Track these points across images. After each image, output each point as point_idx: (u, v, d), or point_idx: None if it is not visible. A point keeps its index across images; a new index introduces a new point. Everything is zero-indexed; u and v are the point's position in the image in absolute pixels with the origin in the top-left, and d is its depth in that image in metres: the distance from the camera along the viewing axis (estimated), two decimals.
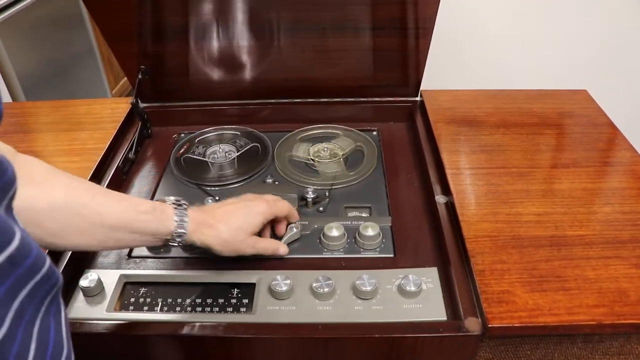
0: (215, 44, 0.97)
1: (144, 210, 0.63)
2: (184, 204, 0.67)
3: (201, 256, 0.74)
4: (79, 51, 2.35)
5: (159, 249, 0.76)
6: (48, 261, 0.38)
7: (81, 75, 2.37)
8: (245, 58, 1.00)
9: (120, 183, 0.89)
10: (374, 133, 1.01)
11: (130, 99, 0.96)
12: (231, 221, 0.68)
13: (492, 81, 1.15)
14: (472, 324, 0.61)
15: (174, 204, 0.66)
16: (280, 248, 0.74)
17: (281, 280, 0.67)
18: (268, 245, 0.73)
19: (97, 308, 0.68)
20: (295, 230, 0.76)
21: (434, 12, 0.86)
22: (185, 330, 0.63)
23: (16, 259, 0.34)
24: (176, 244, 0.66)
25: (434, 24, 0.88)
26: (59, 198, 0.57)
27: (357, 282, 0.66)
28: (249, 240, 0.69)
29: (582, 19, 1.14)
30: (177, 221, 0.64)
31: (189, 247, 0.70)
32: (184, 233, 0.64)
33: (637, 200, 0.76)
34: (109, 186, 0.83)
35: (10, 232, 0.34)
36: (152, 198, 0.86)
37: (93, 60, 2.47)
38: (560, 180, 0.80)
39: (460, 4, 1.08)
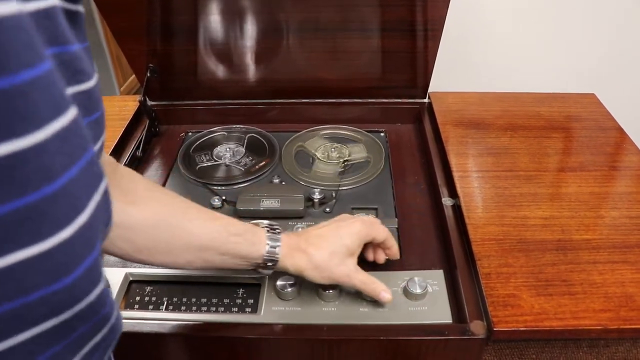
0: (223, 43, 0.97)
1: (235, 232, 0.60)
2: (277, 228, 0.64)
3: None
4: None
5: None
6: (116, 310, 0.37)
7: None
8: (253, 58, 1.00)
9: None
10: (382, 134, 1.01)
11: (139, 97, 0.96)
12: (324, 244, 0.63)
13: (500, 83, 1.15)
14: (478, 327, 0.61)
15: (267, 227, 0.63)
16: (382, 292, 0.64)
17: (287, 281, 0.67)
18: (367, 281, 0.64)
19: None
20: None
21: (443, 14, 0.86)
22: (190, 329, 0.63)
23: (96, 306, 0.33)
24: (268, 270, 0.63)
25: (443, 26, 0.88)
26: (152, 217, 0.56)
27: None
28: (344, 267, 0.63)
29: (591, 23, 1.13)
30: (269, 244, 0.61)
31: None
32: (276, 258, 0.61)
33: None
34: None
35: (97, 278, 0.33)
36: None
37: (102, 58, 2.48)
38: (567, 184, 0.80)
39: (468, 7, 1.07)
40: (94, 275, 0.32)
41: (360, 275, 0.64)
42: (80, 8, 0.35)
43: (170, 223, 0.58)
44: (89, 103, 0.34)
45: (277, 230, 0.64)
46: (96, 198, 0.31)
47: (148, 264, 0.63)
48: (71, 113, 0.28)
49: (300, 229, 0.77)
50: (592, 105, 1.00)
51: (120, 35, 0.94)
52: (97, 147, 0.36)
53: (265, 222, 0.65)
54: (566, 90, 1.05)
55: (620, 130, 0.93)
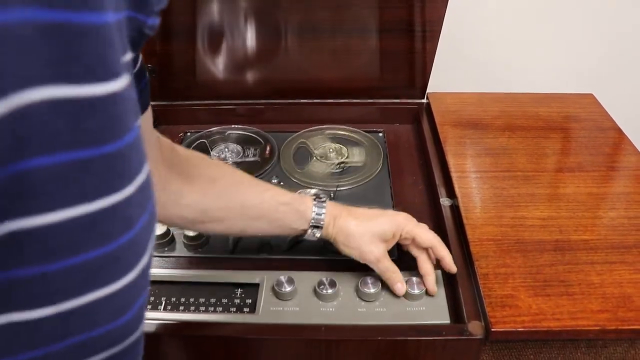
0: (223, 43, 0.97)
1: (283, 202, 0.64)
2: (324, 197, 0.68)
3: (205, 255, 0.74)
4: None
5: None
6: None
7: None
8: (252, 58, 1.00)
9: None
10: (380, 134, 1.01)
11: None
12: (364, 220, 0.66)
13: (499, 84, 1.15)
14: (475, 328, 0.61)
15: (313, 196, 0.68)
16: (398, 283, 0.66)
17: (285, 281, 0.67)
18: (390, 268, 0.66)
19: None
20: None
21: (441, 15, 0.86)
22: (188, 329, 0.63)
23: (140, 341, 0.36)
24: (315, 238, 0.67)
25: (442, 26, 0.88)
26: (205, 193, 0.61)
27: (361, 284, 0.67)
28: (374, 247, 0.65)
29: (590, 23, 1.13)
30: (315, 211, 0.65)
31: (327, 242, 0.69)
32: (321, 225, 0.65)
33: None
34: None
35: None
36: None
37: None
38: (565, 185, 0.80)
39: (467, 7, 1.07)
40: (143, 312, 0.35)
41: (386, 261, 0.66)
42: (136, 54, 0.39)
43: (223, 197, 0.63)
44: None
45: (323, 199, 0.67)
46: (152, 239, 0.33)
47: (203, 232, 0.72)
48: (147, 165, 0.31)
49: None
50: (590, 106, 1.01)
51: None
52: None
53: (313, 191, 0.70)
54: (565, 90, 1.05)
55: (618, 130, 0.93)
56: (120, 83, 0.27)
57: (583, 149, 0.88)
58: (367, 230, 0.65)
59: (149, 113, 0.51)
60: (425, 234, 0.67)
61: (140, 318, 0.35)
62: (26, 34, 0.22)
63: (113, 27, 0.27)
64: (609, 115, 0.97)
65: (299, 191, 0.73)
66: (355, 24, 0.94)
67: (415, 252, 0.68)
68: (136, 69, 0.42)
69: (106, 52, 0.26)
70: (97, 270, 0.28)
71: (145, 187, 0.31)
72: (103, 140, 0.26)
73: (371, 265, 0.67)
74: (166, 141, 0.60)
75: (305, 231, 0.66)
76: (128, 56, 0.31)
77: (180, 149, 0.63)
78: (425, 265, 0.68)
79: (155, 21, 0.35)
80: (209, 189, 0.62)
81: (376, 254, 0.65)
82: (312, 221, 0.65)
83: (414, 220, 0.69)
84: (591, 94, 1.03)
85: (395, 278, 0.66)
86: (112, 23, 0.26)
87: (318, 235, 0.66)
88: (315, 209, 0.65)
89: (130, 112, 0.29)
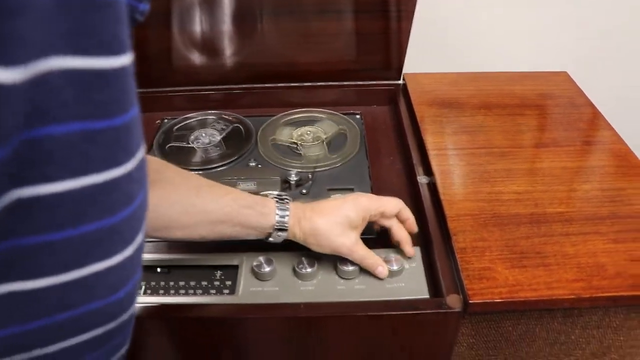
0: (197, 28, 0.96)
1: (245, 205, 0.63)
2: (287, 198, 0.66)
3: None
4: None
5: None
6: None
7: None
8: (228, 43, 0.99)
9: None
10: (357, 116, 1.01)
11: None
12: (328, 214, 0.65)
13: (475, 63, 1.15)
14: (454, 301, 0.61)
15: (276, 198, 0.66)
16: (379, 267, 0.66)
17: (264, 261, 0.67)
18: (366, 255, 0.66)
19: None
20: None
21: None
22: (169, 312, 0.63)
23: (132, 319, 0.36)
24: (279, 240, 0.65)
25: (415, 6, 0.88)
26: (166, 199, 0.60)
27: (340, 262, 0.67)
28: (345, 239, 0.64)
29: (568, 3, 1.14)
30: (278, 214, 0.64)
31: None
32: (285, 227, 0.64)
33: (616, 177, 0.77)
34: None
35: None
36: None
37: None
38: (541, 160, 0.81)
39: None
40: (136, 291, 0.35)
41: (360, 249, 0.66)
42: None
43: (183, 203, 0.61)
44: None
45: (286, 200, 0.66)
46: (145, 219, 0.34)
47: (165, 240, 0.69)
48: (144, 143, 0.32)
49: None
50: (564, 83, 1.02)
51: None
52: None
53: (275, 192, 0.69)
54: (541, 69, 1.06)
55: (592, 106, 0.94)
56: (129, 58, 0.28)
57: (558, 125, 0.89)
58: (334, 224, 0.64)
59: None
60: (390, 203, 0.68)
61: (133, 296, 0.35)
62: (45, 5, 0.23)
63: (123, 5, 0.27)
64: (583, 92, 0.98)
65: (261, 193, 0.72)
66: (329, 6, 0.93)
67: (386, 222, 0.69)
68: None
69: (117, 27, 0.27)
70: (98, 242, 0.29)
71: (143, 164, 0.32)
72: (112, 112, 0.27)
73: (347, 257, 0.66)
74: None
75: (269, 234, 0.65)
76: None
77: None
78: (400, 232, 0.68)
79: (146, 7, 0.36)
80: (170, 193, 0.61)
81: (348, 245, 0.65)
82: (276, 224, 0.64)
83: (374, 195, 0.69)
84: (565, 72, 1.04)
85: (374, 263, 0.66)
86: (122, 1, 0.27)
87: (283, 237, 0.65)
88: (279, 212, 0.64)
89: (134, 87, 0.30)
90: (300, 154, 0.91)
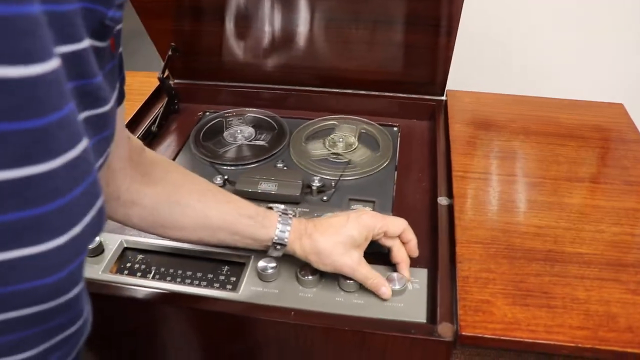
0: (249, 27, 0.98)
1: (246, 214, 0.64)
2: (290, 213, 0.66)
3: None
4: (131, 27, 2.43)
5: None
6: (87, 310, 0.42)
7: (139, 49, 2.46)
8: (276, 43, 1.01)
9: None
10: (394, 129, 1.00)
11: (158, 74, 0.99)
12: (330, 232, 0.64)
13: (528, 87, 1.11)
14: (445, 330, 0.60)
15: (280, 212, 0.66)
16: (383, 287, 0.64)
17: (268, 263, 0.69)
18: (369, 275, 0.64)
19: (93, 269, 0.71)
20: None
21: (458, 10, 0.84)
22: (170, 299, 0.66)
23: (73, 303, 0.38)
24: (278, 254, 0.66)
25: (459, 22, 0.86)
26: (166, 198, 0.62)
27: (342, 275, 0.67)
28: (347, 258, 0.64)
29: (623, 29, 1.07)
30: (279, 228, 0.64)
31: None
32: (285, 242, 0.64)
33: None
34: None
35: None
36: None
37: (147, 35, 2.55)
38: (572, 195, 0.77)
39: (496, 4, 1.04)
40: (76, 277, 0.37)
41: (363, 269, 0.64)
42: (106, 44, 0.40)
43: (183, 204, 0.62)
44: (101, 124, 0.39)
45: (290, 215, 0.66)
46: (91, 213, 0.35)
47: (162, 238, 0.70)
48: (82, 144, 0.33)
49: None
50: (618, 116, 0.96)
51: (145, 14, 0.97)
52: (100, 161, 0.41)
53: (281, 206, 0.68)
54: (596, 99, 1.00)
55: None
56: (45, 67, 0.29)
57: (600, 159, 0.85)
58: (336, 243, 0.63)
59: (121, 109, 0.52)
60: (394, 223, 0.67)
61: (73, 282, 0.37)
62: None
63: (39, 17, 0.29)
64: (636, 127, 0.92)
65: (267, 206, 0.73)
66: (379, 16, 0.93)
67: (387, 242, 0.68)
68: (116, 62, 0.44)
69: (25, 39, 0.28)
70: (21, 230, 0.30)
71: (79, 163, 0.33)
72: (19, 117, 0.28)
73: (350, 277, 0.65)
74: (137, 142, 0.61)
75: (267, 247, 0.65)
76: (84, 44, 0.34)
77: (150, 152, 0.64)
78: (400, 253, 0.67)
79: (116, 14, 0.38)
80: (172, 193, 0.62)
81: (350, 264, 0.64)
82: (275, 238, 0.64)
83: (378, 214, 0.68)
84: (621, 104, 0.98)
85: (378, 283, 0.65)
86: (37, 13, 0.28)
87: (281, 252, 0.65)
88: (280, 226, 0.64)
89: (60, 94, 0.31)
90: (350, 160, 0.91)
